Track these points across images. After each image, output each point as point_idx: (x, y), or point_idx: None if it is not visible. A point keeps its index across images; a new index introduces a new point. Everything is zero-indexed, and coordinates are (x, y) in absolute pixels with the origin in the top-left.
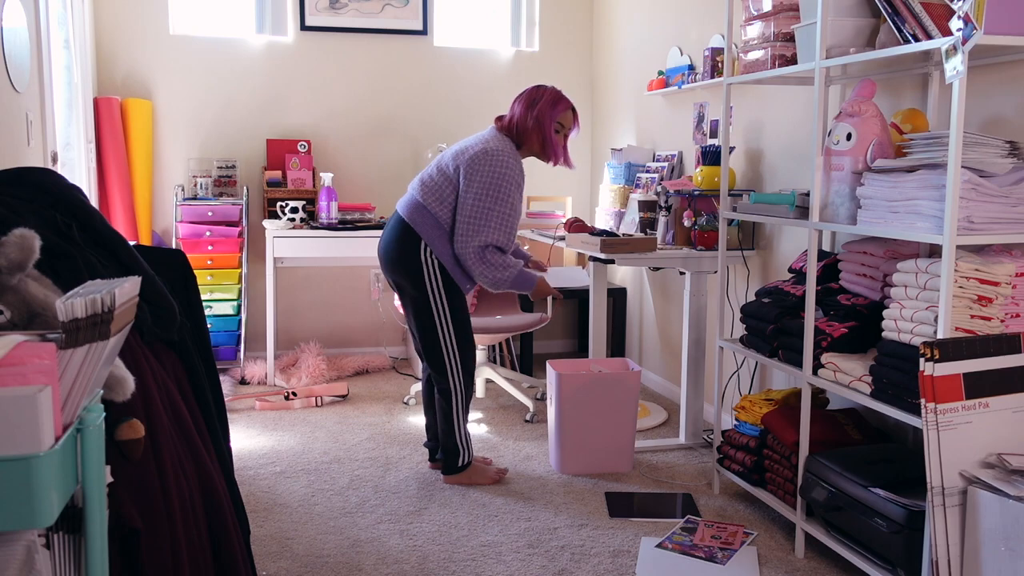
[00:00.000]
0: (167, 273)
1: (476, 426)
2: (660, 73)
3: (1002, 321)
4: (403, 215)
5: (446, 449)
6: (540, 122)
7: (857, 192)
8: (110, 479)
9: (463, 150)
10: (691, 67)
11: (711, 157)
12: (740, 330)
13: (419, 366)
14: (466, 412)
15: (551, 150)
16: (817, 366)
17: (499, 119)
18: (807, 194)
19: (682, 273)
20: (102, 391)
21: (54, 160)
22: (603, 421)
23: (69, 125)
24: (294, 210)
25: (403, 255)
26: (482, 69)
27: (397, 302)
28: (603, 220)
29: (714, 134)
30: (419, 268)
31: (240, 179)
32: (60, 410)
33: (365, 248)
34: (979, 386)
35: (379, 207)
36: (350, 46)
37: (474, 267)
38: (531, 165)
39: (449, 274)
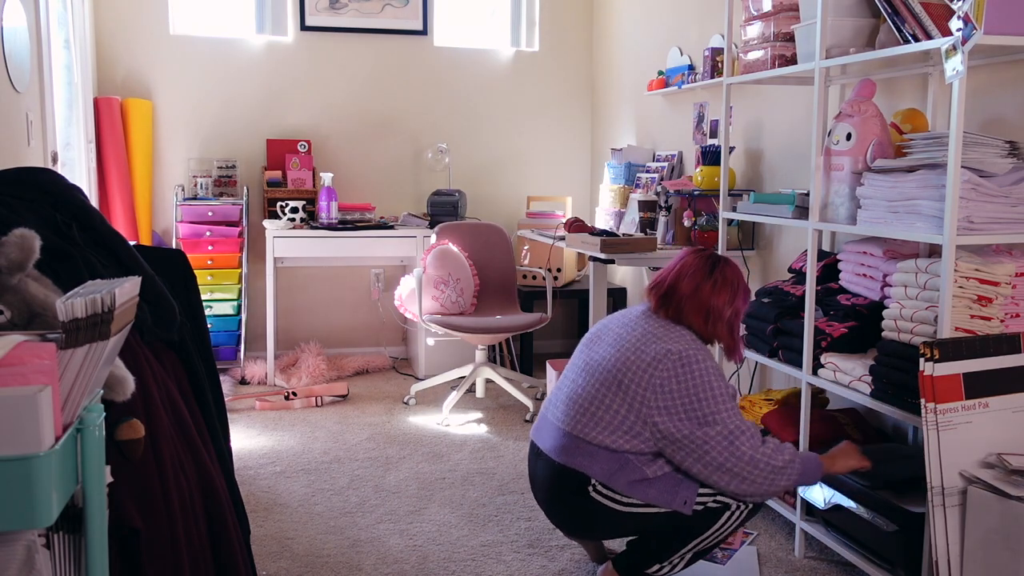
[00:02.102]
0: (167, 273)
1: (476, 426)
2: (660, 73)
3: (1002, 321)
4: (562, 462)
5: (644, 551)
6: (737, 316)
7: (857, 192)
8: (110, 479)
9: (644, 350)
10: (691, 67)
11: (711, 157)
12: (740, 330)
13: (420, 364)
14: (719, 543)
15: (738, 348)
16: (817, 366)
17: (662, 297)
18: (807, 194)
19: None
20: (102, 391)
21: (54, 160)
22: None
23: (69, 125)
24: (294, 210)
25: (566, 501)
26: (482, 69)
27: (411, 311)
28: (603, 220)
29: (714, 134)
30: (588, 498)
31: (240, 179)
32: (60, 410)
33: (365, 248)
34: (979, 386)
35: (379, 207)
36: (350, 46)
37: (763, 486)
38: (530, 164)
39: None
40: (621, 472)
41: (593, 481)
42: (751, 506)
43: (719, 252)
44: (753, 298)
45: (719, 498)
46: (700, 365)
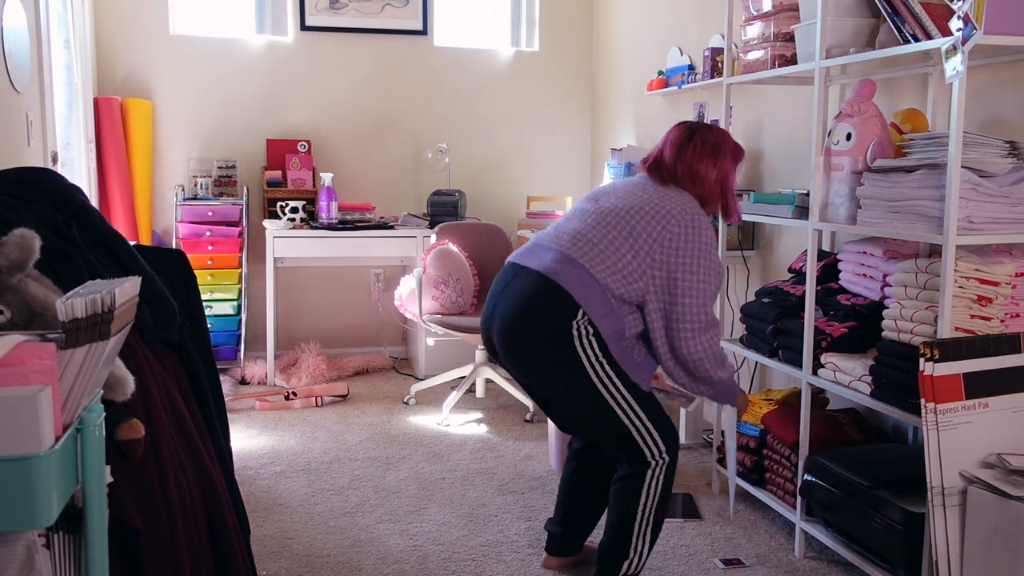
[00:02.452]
0: (167, 273)
1: (476, 426)
2: (660, 73)
3: (1002, 321)
4: (550, 275)
5: (610, 555)
6: (729, 179)
7: (857, 192)
8: (110, 479)
9: (657, 208)
10: (691, 67)
11: None
12: (740, 330)
13: (420, 364)
14: (663, 509)
15: (734, 208)
16: (817, 366)
17: (659, 169)
18: (807, 194)
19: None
20: (102, 391)
21: (54, 160)
22: None
23: (69, 125)
24: (294, 210)
25: (546, 322)
26: (482, 69)
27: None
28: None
29: None
30: (568, 335)
31: (240, 179)
32: (60, 410)
33: (365, 248)
34: (979, 386)
35: (379, 207)
36: (350, 46)
37: (700, 364)
38: (530, 164)
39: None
40: (607, 318)
41: (580, 316)
42: (668, 460)
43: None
44: (753, 298)
45: (645, 435)
46: (706, 233)
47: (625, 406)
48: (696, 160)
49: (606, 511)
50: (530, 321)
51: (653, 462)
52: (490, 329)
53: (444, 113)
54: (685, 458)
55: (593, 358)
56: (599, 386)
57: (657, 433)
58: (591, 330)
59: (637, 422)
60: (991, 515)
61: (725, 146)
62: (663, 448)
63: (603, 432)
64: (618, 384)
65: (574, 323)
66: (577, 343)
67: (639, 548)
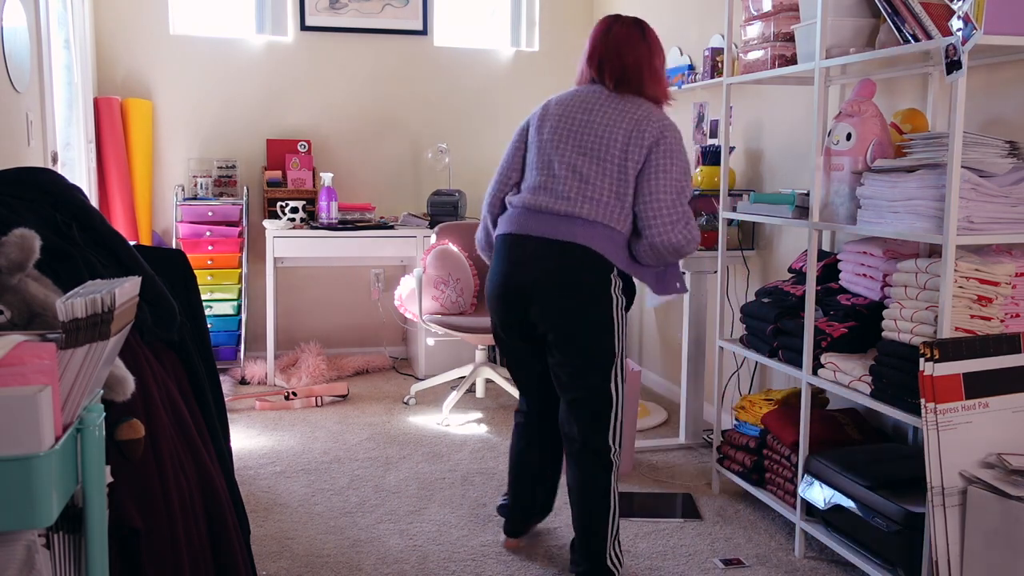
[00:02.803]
0: (167, 273)
1: (476, 426)
2: None
3: (1002, 321)
4: (588, 244)
5: (590, 549)
6: (663, 67)
7: (857, 192)
8: (110, 479)
9: (631, 131)
10: (691, 67)
11: (711, 157)
12: (740, 330)
13: (420, 364)
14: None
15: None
16: (817, 366)
17: (616, 76)
18: (807, 194)
19: (682, 273)
20: (102, 391)
21: (54, 160)
22: None
23: (69, 125)
24: (294, 210)
25: (594, 295)
26: (482, 69)
27: (422, 317)
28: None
29: (714, 134)
30: (608, 301)
31: (240, 179)
32: (60, 410)
33: (365, 248)
34: (979, 386)
35: (379, 207)
36: (350, 46)
37: (682, 248)
38: None
39: (628, 298)
40: (627, 256)
41: (615, 272)
42: (617, 461)
43: (716, 249)
44: (753, 298)
45: (616, 419)
46: (677, 143)
47: (619, 382)
48: (655, 57)
49: (571, 500)
50: (574, 288)
51: (613, 447)
52: (508, 287)
53: (444, 113)
54: (685, 458)
55: (620, 308)
56: (616, 344)
57: (621, 423)
58: (620, 282)
59: (616, 406)
60: (991, 515)
61: (651, 34)
62: (619, 441)
63: (587, 394)
64: (620, 358)
65: (611, 278)
66: (613, 293)
67: (617, 556)
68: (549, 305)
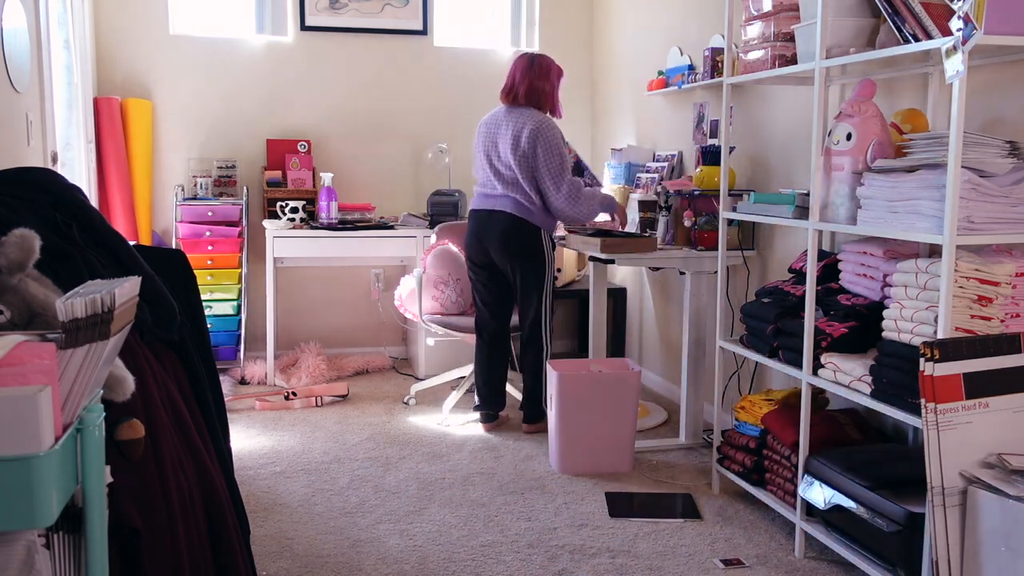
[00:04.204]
0: (167, 273)
1: (476, 425)
2: (660, 73)
3: (1002, 321)
4: (515, 212)
5: (534, 399)
6: (555, 90)
7: (857, 192)
8: (110, 479)
9: (517, 136)
10: (691, 67)
11: (711, 157)
12: (740, 330)
13: (420, 364)
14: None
15: (559, 109)
16: (817, 366)
17: (511, 95)
18: (807, 194)
19: (682, 273)
20: (102, 391)
21: (54, 160)
22: (603, 421)
23: (69, 125)
24: (294, 210)
25: (525, 246)
26: (482, 69)
27: (416, 304)
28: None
29: (714, 134)
30: (542, 253)
31: (240, 179)
32: (60, 410)
33: (365, 248)
34: (979, 386)
35: (379, 207)
36: (350, 46)
37: (572, 212)
38: None
39: (554, 249)
40: (548, 219)
41: (543, 232)
42: (550, 335)
43: (716, 249)
44: (753, 298)
45: (546, 322)
46: (552, 134)
47: (548, 302)
48: (539, 80)
49: (523, 372)
50: (516, 243)
51: (545, 334)
52: (482, 245)
53: (444, 113)
54: (685, 458)
55: (550, 262)
56: (547, 280)
57: (550, 319)
58: (549, 237)
59: (546, 315)
60: (991, 515)
61: (553, 67)
62: (550, 328)
63: (534, 314)
64: (550, 285)
65: (542, 234)
66: (545, 246)
67: (546, 389)
68: (505, 252)
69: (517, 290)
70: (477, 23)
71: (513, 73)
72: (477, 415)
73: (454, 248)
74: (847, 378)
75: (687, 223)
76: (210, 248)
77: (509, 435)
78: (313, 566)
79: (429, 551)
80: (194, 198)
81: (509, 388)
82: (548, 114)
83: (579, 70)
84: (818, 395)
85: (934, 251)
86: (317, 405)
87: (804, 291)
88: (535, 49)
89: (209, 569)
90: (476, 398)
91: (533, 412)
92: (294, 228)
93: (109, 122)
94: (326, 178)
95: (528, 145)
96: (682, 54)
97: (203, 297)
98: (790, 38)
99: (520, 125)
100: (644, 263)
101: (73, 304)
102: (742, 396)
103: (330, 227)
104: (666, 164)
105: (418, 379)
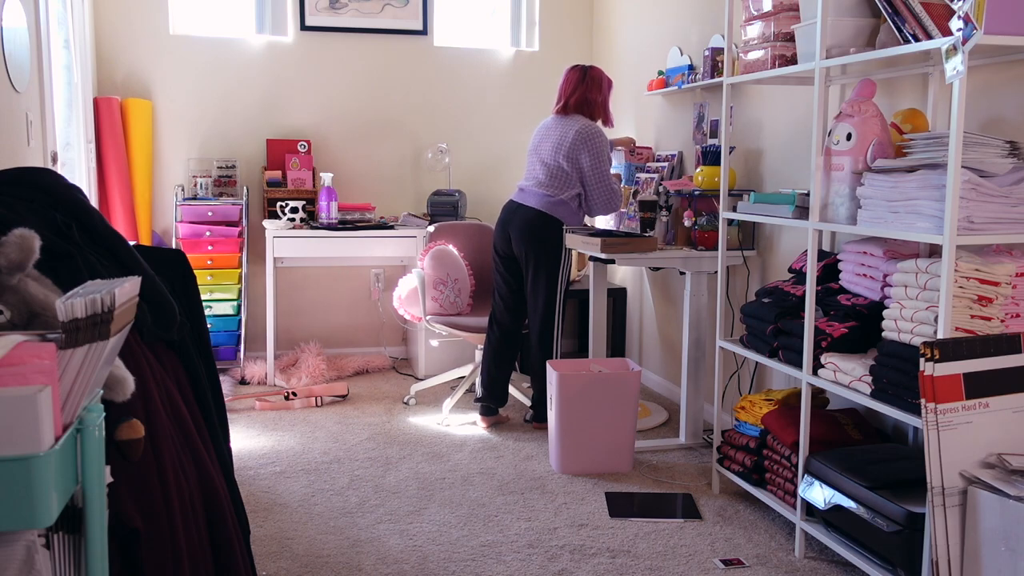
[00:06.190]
0: (167, 273)
1: (476, 426)
2: (660, 73)
3: (1002, 321)
4: (542, 207)
5: (544, 400)
6: (606, 101)
7: (857, 192)
8: (110, 479)
9: (563, 136)
10: (691, 67)
11: (711, 157)
12: (740, 330)
13: (420, 364)
14: None
15: (610, 119)
16: (817, 366)
17: (564, 109)
18: (807, 194)
19: (682, 273)
20: (102, 391)
21: (54, 160)
22: (603, 421)
23: (69, 125)
24: (294, 210)
25: (546, 238)
26: (482, 69)
27: (415, 304)
28: (603, 220)
29: (714, 134)
30: (559, 248)
31: (240, 179)
32: (60, 410)
33: (365, 248)
34: (979, 386)
35: (379, 207)
36: (350, 46)
37: (604, 212)
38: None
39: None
40: (573, 217)
41: (564, 228)
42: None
43: (716, 249)
44: (753, 298)
45: (556, 331)
46: (599, 137)
47: (560, 300)
48: (590, 92)
49: (531, 374)
50: (538, 233)
51: (556, 336)
52: (505, 232)
53: (444, 113)
54: (685, 458)
55: (565, 258)
56: (560, 276)
57: (560, 320)
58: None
59: (557, 314)
60: (991, 515)
61: (603, 79)
62: (560, 330)
63: (543, 310)
64: (563, 284)
65: (564, 230)
66: (564, 244)
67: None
68: (525, 244)
69: (528, 280)
70: (477, 23)
71: (564, 87)
72: (477, 415)
73: (451, 249)
74: (847, 378)
75: (687, 223)
76: (210, 248)
77: (509, 435)
78: (313, 566)
79: (429, 551)
80: (194, 198)
81: (510, 388)
82: (599, 123)
83: None
84: (818, 395)
85: (934, 251)
86: (317, 405)
87: (804, 291)
88: (535, 49)
89: (209, 569)
90: (479, 390)
91: (543, 412)
92: (294, 228)
93: (109, 122)
94: (326, 178)
95: (573, 145)
96: (682, 54)
97: (203, 297)
98: (790, 38)
99: (568, 127)
100: (644, 263)
101: (73, 304)
102: (742, 396)
103: (330, 227)
104: (666, 164)
105: (418, 379)
